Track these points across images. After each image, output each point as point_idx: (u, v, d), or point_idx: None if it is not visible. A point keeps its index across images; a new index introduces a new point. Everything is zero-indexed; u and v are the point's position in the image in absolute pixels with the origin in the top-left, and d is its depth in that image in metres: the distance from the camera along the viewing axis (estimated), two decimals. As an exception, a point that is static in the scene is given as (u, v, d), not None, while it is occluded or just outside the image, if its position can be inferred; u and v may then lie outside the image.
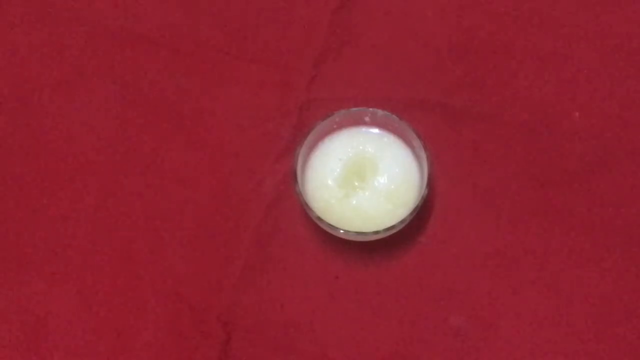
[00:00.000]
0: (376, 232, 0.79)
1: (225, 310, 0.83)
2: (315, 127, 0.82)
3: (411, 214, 0.80)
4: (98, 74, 0.90)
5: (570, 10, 0.90)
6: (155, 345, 0.83)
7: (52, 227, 0.86)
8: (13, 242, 0.86)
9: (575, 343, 0.82)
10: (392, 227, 0.79)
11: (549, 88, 0.88)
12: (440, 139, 0.86)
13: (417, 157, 0.82)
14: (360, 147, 0.83)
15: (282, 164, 0.86)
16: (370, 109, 0.82)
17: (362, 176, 0.82)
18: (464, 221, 0.85)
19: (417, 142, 0.81)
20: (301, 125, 0.87)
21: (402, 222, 0.80)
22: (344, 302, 0.83)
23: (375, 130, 0.84)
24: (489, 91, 0.88)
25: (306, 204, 0.80)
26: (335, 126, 0.83)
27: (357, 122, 0.83)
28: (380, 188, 0.82)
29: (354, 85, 0.89)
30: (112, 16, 0.92)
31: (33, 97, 0.90)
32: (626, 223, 0.84)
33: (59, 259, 0.85)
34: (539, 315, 0.82)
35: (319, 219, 0.80)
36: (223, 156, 0.88)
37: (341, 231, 0.79)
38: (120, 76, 0.90)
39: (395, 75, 0.89)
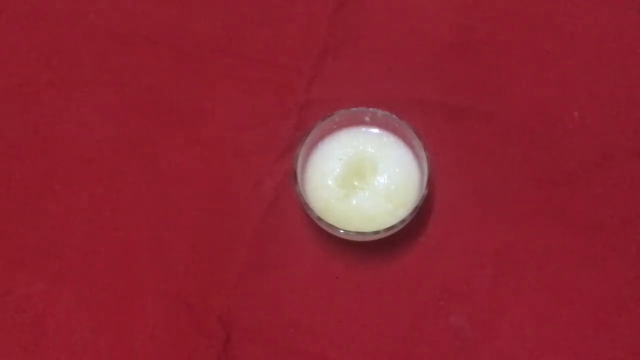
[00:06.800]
0: (376, 232, 0.79)
1: (225, 310, 0.83)
2: (315, 127, 0.82)
3: (411, 214, 0.80)
4: (98, 74, 0.90)
5: (570, 10, 0.90)
6: (155, 345, 0.83)
7: (51, 227, 0.86)
8: (13, 242, 0.86)
9: (575, 343, 0.82)
10: (392, 227, 0.79)
11: (549, 88, 0.88)
12: (440, 139, 0.86)
13: (417, 157, 0.82)
14: (360, 147, 0.83)
15: (282, 164, 0.86)
16: (370, 109, 0.82)
17: (362, 176, 0.82)
18: (464, 221, 0.85)
19: (417, 142, 0.81)
20: (301, 125, 0.87)
21: (402, 222, 0.80)
22: (344, 302, 0.83)
23: (375, 130, 0.84)
24: (489, 91, 0.88)
25: (306, 204, 0.80)
26: (335, 126, 0.83)
27: (357, 122, 0.83)
28: (380, 188, 0.82)
29: (354, 85, 0.89)
30: (112, 16, 0.92)
31: (32, 97, 0.90)
32: (626, 223, 0.84)
33: (59, 259, 0.85)
34: (539, 315, 0.82)
35: (319, 219, 0.80)
36: (223, 156, 0.88)
37: (341, 231, 0.79)
38: (120, 76, 0.90)
39: (395, 75, 0.89)
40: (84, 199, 0.87)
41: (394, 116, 0.82)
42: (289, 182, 0.85)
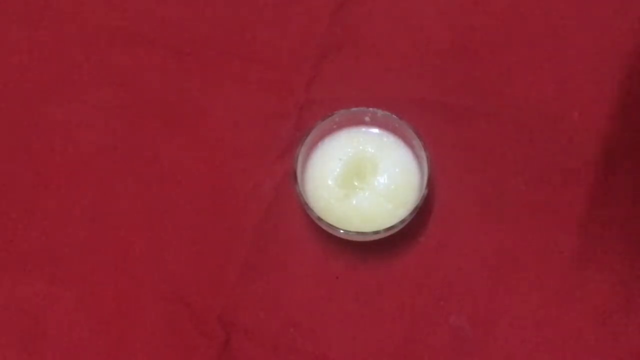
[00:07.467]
0: (376, 232, 0.79)
1: (225, 310, 0.83)
2: (315, 127, 0.82)
3: (411, 214, 0.80)
4: (97, 74, 0.90)
5: (570, 10, 0.90)
6: (155, 346, 0.83)
7: (51, 227, 0.86)
8: (12, 242, 0.86)
9: (575, 343, 0.82)
10: (392, 227, 0.79)
11: (549, 88, 0.88)
12: (440, 139, 0.86)
13: (417, 157, 0.82)
14: (360, 147, 0.83)
15: (282, 164, 0.86)
16: (370, 109, 0.82)
17: (362, 176, 0.82)
18: (464, 221, 0.85)
19: (417, 142, 0.81)
20: (301, 125, 0.87)
21: (402, 222, 0.80)
22: (344, 302, 0.83)
23: (375, 130, 0.84)
24: (489, 91, 0.88)
25: (306, 204, 0.80)
26: (335, 126, 0.83)
27: (357, 122, 0.83)
28: (380, 188, 0.82)
29: (354, 85, 0.89)
30: (112, 16, 0.92)
31: (32, 97, 0.90)
32: (626, 223, 0.84)
33: (58, 259, 0.85)
34: (539, 315, 0.82)
35: (319, 219, 0.80)
36: (223, 156, 0.88)
37: (341, 231, 0.79)
38: (119, 76, 0.90)
39: (395, 75, 0.89)
40: (84, 199, 0.87)
41: (394, 116, 0.82)
42: (289, 182, 0.85)
